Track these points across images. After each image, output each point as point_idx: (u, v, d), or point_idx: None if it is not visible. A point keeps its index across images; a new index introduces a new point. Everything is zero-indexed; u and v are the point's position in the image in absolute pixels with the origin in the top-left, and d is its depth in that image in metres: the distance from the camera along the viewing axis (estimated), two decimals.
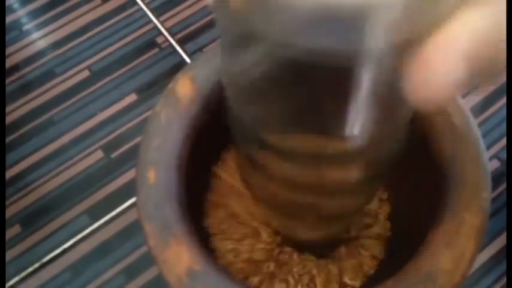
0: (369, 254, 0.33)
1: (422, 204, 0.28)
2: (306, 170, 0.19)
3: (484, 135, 0.43)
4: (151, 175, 0.25)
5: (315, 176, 0.19)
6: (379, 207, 0.34)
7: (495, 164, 0.42)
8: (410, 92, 0.12)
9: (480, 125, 0.43)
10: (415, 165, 0.29)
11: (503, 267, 0.38)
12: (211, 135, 0.28)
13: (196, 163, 0.28)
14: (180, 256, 0.23)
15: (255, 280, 0.32)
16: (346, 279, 0.32)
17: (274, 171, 0.19)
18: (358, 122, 0.14)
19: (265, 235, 0.33)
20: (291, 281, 0.32)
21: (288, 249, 0.33)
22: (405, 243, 0.29)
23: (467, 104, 0.44)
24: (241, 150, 0.21)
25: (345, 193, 0.21)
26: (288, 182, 0.20)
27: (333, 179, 0.19)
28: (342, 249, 0.33)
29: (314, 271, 0.32)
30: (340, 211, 0.23)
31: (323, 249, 0.32)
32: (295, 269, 0.32)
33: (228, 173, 0.34)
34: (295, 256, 0.32)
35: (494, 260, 0.38)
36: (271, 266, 0.32)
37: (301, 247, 0.32)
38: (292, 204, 0.22)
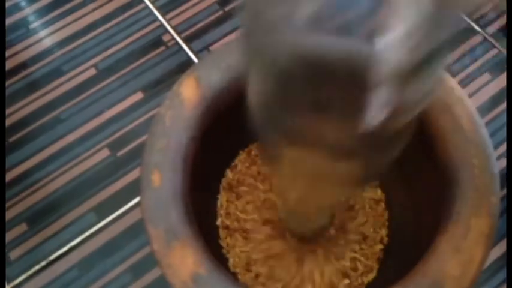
0: (367, 258, 0.32)
1: (426, 209, 0.27)
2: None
3: (492, 134, 0.42)
4: (155, 178, 0.25)
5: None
6: (379, 210, 0.34)
7: (504, 163, 0.41)
8: None
9: (488, 123, 0.43)
10: (420, 168, 0.29)
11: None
12: (219, 137, 0.28)
13: (203, 164, 0.28)
14: (184, 260, 0.23)
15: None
16: (346, 283, 0.32)
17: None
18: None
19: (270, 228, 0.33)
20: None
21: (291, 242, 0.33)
22: (406, 248, 0.29)
23: (476, 102, 0.44)
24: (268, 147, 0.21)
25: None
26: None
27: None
28: (341, 253, 0.32)
29: (315, 270, 0.32)
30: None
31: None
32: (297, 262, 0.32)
33: (242, 166, 0.34)
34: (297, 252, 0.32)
35: (502, 260, 0.38)
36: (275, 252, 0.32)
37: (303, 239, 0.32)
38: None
